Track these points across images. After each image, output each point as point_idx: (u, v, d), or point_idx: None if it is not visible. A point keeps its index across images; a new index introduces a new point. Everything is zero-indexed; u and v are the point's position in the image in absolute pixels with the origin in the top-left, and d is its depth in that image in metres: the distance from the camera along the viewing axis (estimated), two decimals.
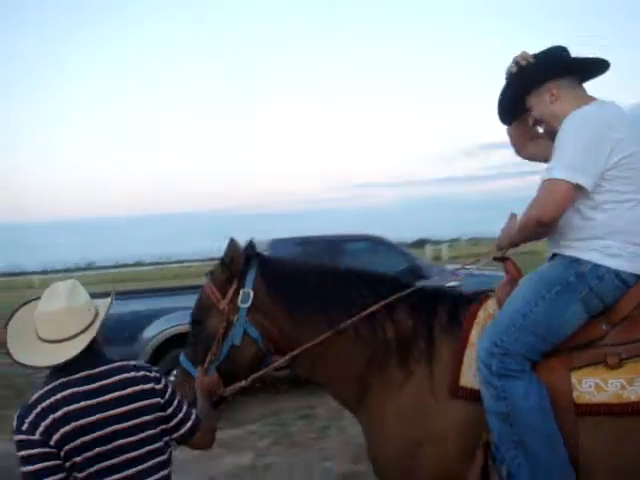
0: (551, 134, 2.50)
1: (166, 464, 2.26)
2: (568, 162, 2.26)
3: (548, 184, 2.28)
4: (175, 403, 2.30)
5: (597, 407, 2.20)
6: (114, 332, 6.10)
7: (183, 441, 2.35)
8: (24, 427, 2.00)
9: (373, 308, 2.55)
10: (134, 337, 6.99)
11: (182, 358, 2.76)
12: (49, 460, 1.99)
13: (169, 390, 2.28)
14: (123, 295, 7.81)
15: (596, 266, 2.31)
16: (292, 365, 2.73)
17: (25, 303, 2.28)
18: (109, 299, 2.29)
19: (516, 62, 2.56)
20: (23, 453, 2.00)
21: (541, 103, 2.52)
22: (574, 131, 2.29)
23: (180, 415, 2.29)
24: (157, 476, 2.22)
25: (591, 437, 2.19)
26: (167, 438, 2.27)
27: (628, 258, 2.31)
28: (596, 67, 2.54)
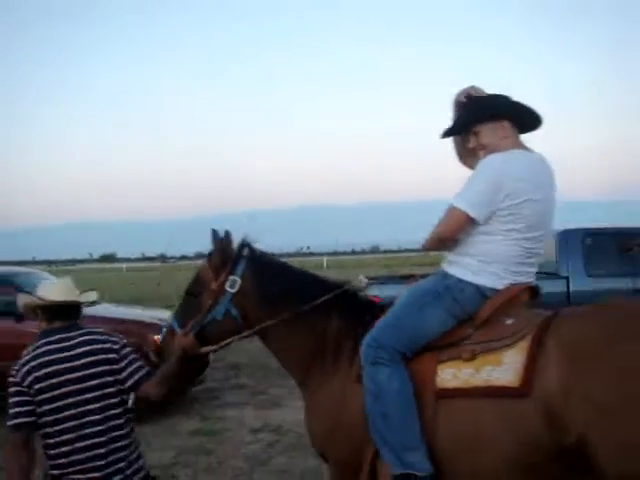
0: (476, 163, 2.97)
1: (124, 421, 3.01)
2: (469, 196, 2.76)
3: (451, 209, 2.79)
4: (127, 360, 3.03)
5: (450, 391, 2.70)
6: None
7: (133, 389, 3.04)
8: (13, 372, 2.92)
9: (317, 301, 3.15)
10: None
11: (172, 317, 3.40)
12: (23, 396, 2.88)
13: (125, 351, 3.06)
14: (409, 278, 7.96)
15: (460, 281, 2.83)
16: (265, 342, 3.33)
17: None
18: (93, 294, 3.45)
19: (469, 94, 3.01)
20: (10, 390, 2.91)
21: (494, 135, 2.91)
22: (484, 172, 2.76)
23: (130, 369, 3.02)
24: (112, 424, 2.95)
25: (443, 412, 2.70)
26: (120, 387, 3.01)
27: (486, 276, 2.80)
28: (535, 124, 3.04)
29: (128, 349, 3.13)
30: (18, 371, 2.93)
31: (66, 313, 3.11)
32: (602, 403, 2.33)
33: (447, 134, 3.10)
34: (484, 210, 2.74)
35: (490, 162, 2.81)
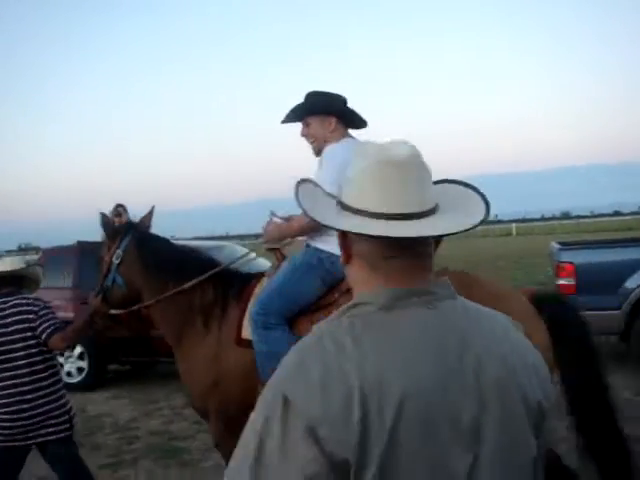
0: (316, 149, 3.53)
1: (47, 365, 3.65)
2: (328, 179, 2.87)
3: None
4: (42, 318, 3.61)
5: None
6: (596, 279, 7.10)
7: (45, 343, 3.60)
8: None
9: (192, 283, 3.67)
10: (617, 286, 7.12)
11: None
12: None
13: (42, 312, 3.63)
14: (603, 244, 8.70)
15: (331, 254, 3.33)
16: (150, 311, 3.88)
17: None
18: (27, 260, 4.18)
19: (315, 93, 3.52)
20: None
21: (321, 127, 3.47)
22: (332, 159, 3.25)
23: (44, 325, 3.59)
24: (41, 372, 3.61)
25: None
26: (38, 341, 3.60)
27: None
28: (359, 123, 3.60)
29: (46, 310, 3.67)
30: None
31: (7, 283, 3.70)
32: None
33: (284, 121, 3.59)
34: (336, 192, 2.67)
35: (332, 151, 3.33)
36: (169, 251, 3.91)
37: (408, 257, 1.19)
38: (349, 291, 2.82)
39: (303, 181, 1.38)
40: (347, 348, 1.09)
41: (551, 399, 1.24)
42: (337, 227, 1.21)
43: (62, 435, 3.66)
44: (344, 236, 1.24)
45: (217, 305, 3.65)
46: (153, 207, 4.09)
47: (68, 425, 3.71)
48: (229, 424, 3.45)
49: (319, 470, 1.00)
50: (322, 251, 3.41)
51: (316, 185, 1.42)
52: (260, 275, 3.74)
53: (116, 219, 8.14)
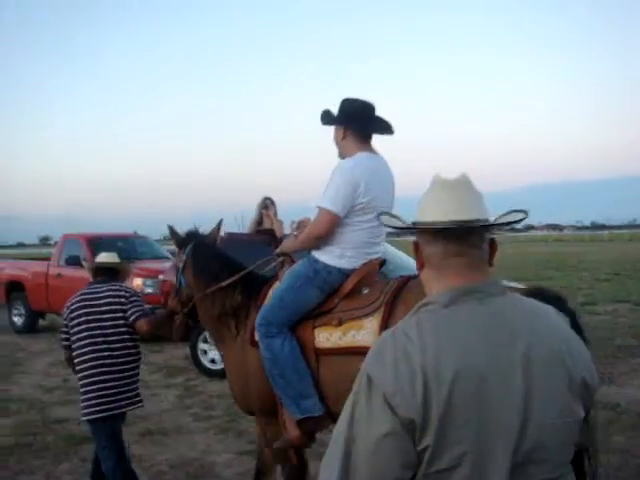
0: (339, 154, 3.72)
1: (132, 346, 4.27)
2: (332, 198, 3.44)
3: (320, 211, 3.51)
4: (131, 304, 4.25)
5: (326, 350, 3.49)
6: None
7: (133, 324, 4.23)
8: (63, 310, 4.34)
9: (223, 284, 3.99)
10: None
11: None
12: (66, 327, 4.27)
13: (132, 298, 4.28)
14: None
15: (327, 265, 3.58)
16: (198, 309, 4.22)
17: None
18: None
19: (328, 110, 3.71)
20: (63, 323, 4.33)
21: (337, 135, 3.69)
22: (339, 177, 3.47)
23: (132, 309, 4.22)
24: (127, 351, 4.22)
25: (323, 367, 3.52)
26: (126, 322, 4.23)
27: (346, 260, 3.57)
28: (384, 129, 3.68)
29: (136, 297, 4.34)
30: (67, 305, 4.29)
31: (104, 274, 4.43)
32: None
33: (329, 122, 3.74)
34: (345, 207, 3.45)
35: (344, 165, 3.52)
36: (214, 257, 4.22)
37: (463, 258, 1.59)
38: (347, 296, 3.39)
39: (385, 213, 1.86)
40: (413, 338, 1.47)
41: (595, 378, 1.57)
42: (411, 226, 1.67)
43: (137, 407, 4.31)
44: (417, 248, 1.67)
45: (243, 308, 3.93)
46: (221, 220, 4.52)
47: (140, 398, 4.32)
48: (269, 422, 3.80)
49: (394, 429, 1.41)
50: (318, 262, 3.61)
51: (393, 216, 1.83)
52: (274, 279, 3.96)
53: (263, 211, 8.67)
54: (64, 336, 4.32)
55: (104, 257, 4.57)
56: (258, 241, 8.64)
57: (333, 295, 3.61)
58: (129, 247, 13.01)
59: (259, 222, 8.86)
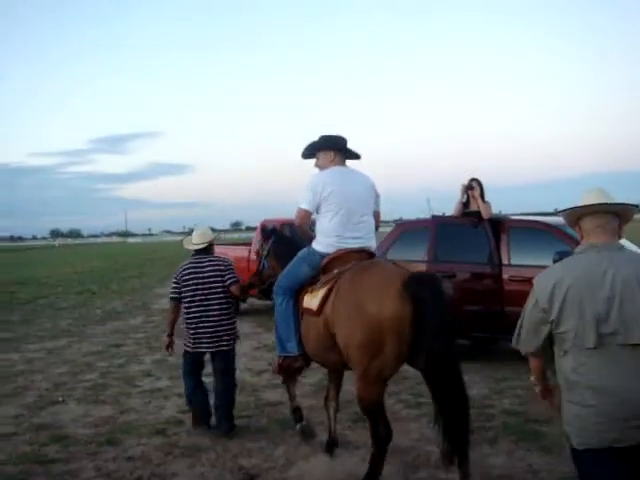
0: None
1: (229, 302, 5.93)
2: (304, 199, 4.89)
3: (297, 209, 4.96)
4: (229, 272, 5.91)
5: (306, 309, 4.85)
6: None
7: (229, 287, 5.85)
8: (175, 274, 6.06)
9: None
10: None
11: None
12: (177, 284, 5.96)
13: (229, 267, 5.95)
14: None
15: (314, 250, 4.99)
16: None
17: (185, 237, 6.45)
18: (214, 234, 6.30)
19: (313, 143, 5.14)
20: (173, 281, 6.06)
21: (324, 159, 5.08)
22: (309, 184, 4.91)
23: (228, 276, 5.87)
24: (225, 305, 5.89)
25: (304, 322, 4.94)
26: (224, 285, 5.85)
27: (324, 246, 4.94)
28: (354, 157, 5.22)
29: (231, 267, 6.01)
30: (179, 270, 5.97)
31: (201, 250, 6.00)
32: (339, 316, 4.44)
33: (303, 156, 5.23)
34: (314, 204, 4.88)
35: (312, 178, 4.96)
36: (290, 246, 5.63)
37: (600, 228, 2.86)
38: (324, 272, 4.83)
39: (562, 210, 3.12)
40: (558, 267, 2.91)
41: None
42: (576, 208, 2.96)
43: (229, 348, 5.94)
44: (579, 228, 2.95)
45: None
46: (288, 226, 6.56)
47: (234, 342, 6.00)
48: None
49: (540, 317, 2.83)
50: (310, 247, 5.07)
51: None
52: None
53: (470, 192, 8.51)
54: (174, 290, 6.01)
55: (206, 235, 6.15)
56: (466, 223, 8.40)
57: (319, 273, 4.94)
58: None
59: (465, 204, 8.65)
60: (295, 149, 5.41)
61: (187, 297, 5.85)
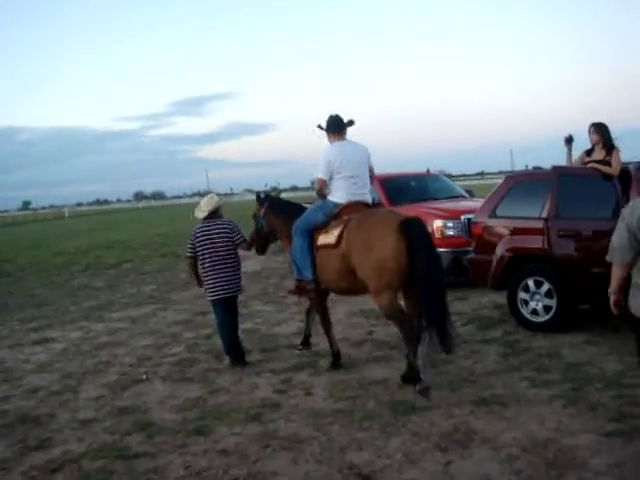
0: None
1: (235, 257, 7.16)
2: (321, 171, 6.39)
3: (317, 178, 6.53)
4: (237, 233, 7.13)
5: (319, 246, 6.28)
6: None
7: (237, 244, 7.15)
8: (191, 233, 7.22)
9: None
10: None
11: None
12: (192, 244, 7.15)
13: (236, 229, 7.15)
14: None
15: (329, 200, 6.43)
16: (279, 237, 7.57)
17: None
18: (219, 199, 7.48)
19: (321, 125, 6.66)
20: (188, 242, 7.28)
21: (331, 138, 6.55)
22: (323, 158, 6.36)
23: (236, 237, 7.10)
24: (232, 260, 7.11)
25: (319, 255, 6.30)
26: (232, 243, 7.09)
27: (336, 197, 6.37)
28: (350, 125, 6.58)
29: (237, 228, 7.15)
30: (193, 232, 7.08)
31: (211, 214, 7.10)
32: (355, 249, 5.80)
33: (318, 128, 6.63)
34: (328, 173, 6.34)
35: (324, 153, 6.39)
36: (283, 206, 7.32)
37: None
38: (336, 218, 6.34)
39: None
40: (630, 207, 3.94)
41: None
42: None
43: (239, 292, 7.23)
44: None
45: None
46: (278, 190, 8.41)
47: (240, 288, 7.23)
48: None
49: (626, 236, 3.85)
50: (325, 198, 6.50)
51: None
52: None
53: (594, 136, 7.44)
54: (190, 248, 7.11)
55: (214, 200, 7.27)
56: (593, 175, 7.29)
57: (330, 218, 6.30)
58: (422, 186, 12.40)
59: (588, 152, 7.57)
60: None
61: (203, 254, 6.99)
